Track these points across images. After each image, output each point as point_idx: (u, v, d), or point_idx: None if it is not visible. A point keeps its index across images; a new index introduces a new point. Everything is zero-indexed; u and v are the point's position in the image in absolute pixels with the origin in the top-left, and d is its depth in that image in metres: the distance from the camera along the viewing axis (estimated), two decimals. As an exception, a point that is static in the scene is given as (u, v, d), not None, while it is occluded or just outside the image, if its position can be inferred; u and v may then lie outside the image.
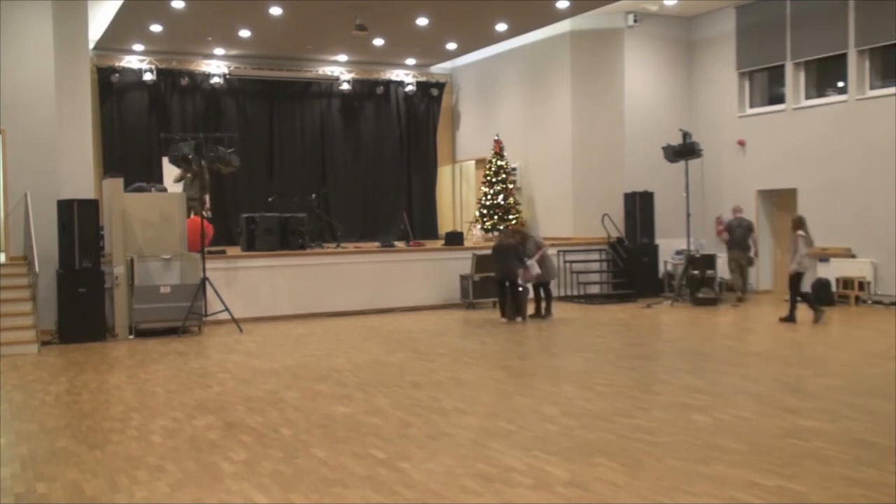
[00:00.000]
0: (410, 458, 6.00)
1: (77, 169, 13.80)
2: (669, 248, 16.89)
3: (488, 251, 14.90)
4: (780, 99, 16.88)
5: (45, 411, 7.88)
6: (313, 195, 18.15)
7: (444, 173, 22.28)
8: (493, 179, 18.64)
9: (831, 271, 15.16)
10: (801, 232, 12.51)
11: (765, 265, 17.12)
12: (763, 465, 5.63)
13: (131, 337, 12.54)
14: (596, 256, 17.34)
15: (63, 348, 11.75)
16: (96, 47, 17.64)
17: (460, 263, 15.78)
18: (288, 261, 14.81)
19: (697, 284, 15.37)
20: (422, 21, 16.21)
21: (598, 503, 5.03)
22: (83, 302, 12.29)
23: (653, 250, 17.11)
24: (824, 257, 15.34)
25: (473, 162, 21.08)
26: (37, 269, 12.01)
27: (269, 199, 17.76)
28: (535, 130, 19.24)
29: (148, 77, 18.77)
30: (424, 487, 5.36)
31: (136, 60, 18.77)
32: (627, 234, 17.29)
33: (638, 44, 17.92)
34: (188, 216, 14.01)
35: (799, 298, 12.54)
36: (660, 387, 8.51)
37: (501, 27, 17.11)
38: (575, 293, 16.60)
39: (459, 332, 12.79)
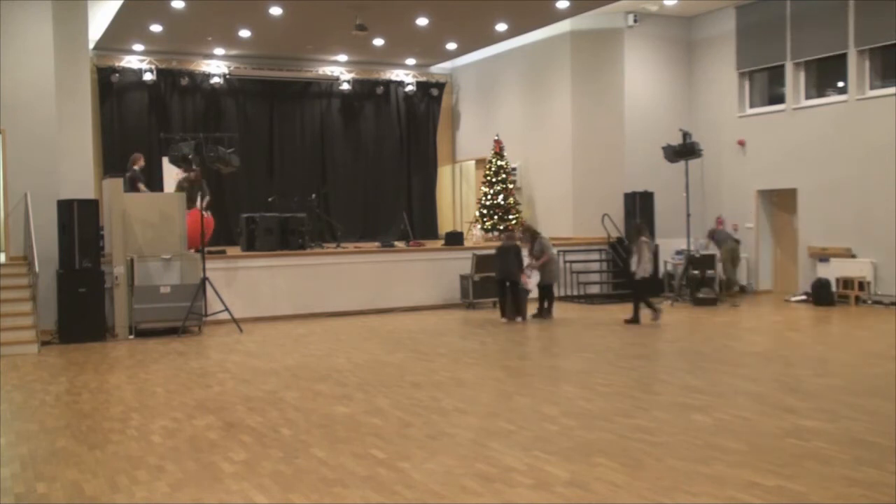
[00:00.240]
0: (410, 458, 6.00)
1: (77, 169, 13.80)
2: (669, 248, 16.89)
3: (488, 251, 14.90)
4: (780, 99, 16.88)
5: (45, 411, 7.88)
6: (313, 195, 18.14)
7: (444, 173, 22.28)
8: (493, 179, 18.63)
9: (831, 271, 15.15)
10: (643, 238, 12.95)
11: (765, 265, 17.14)
12: (763, 465, 5.63)
13: (131, 337, 12.53)
14: (596, 256, 17.35)
15: (63, 348, 11.75)
16: (96, 47, 17.64)
17: (460, 263, 15.78)
18: (288, 261, 14.80)
19: (697, 284, 15.39)
20: (422, 21, 16.21)
21: (598, 503, 5.04)
22: (83, 302, 12.28)
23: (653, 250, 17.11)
24: (824, 257, 15.35)
25: (473, 162, 21.08)
26: (37, 269, 12.01)
27: (269, 199, 17.76)
28: (535, 130, 19.24)
29: (148, 77, 18.78)
30: (424, 487, 5.36)
31: (136, 60, 18.78)
32: (627, 235, 17.27)
33: (638, 44, 17.92)
34: (188, 209, 13.99)
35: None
36: (660, 387, 8.50)
37: (501, 27, 17.11)
38: (575, 293, 16.61)
39: (459, 332, 12.79)
